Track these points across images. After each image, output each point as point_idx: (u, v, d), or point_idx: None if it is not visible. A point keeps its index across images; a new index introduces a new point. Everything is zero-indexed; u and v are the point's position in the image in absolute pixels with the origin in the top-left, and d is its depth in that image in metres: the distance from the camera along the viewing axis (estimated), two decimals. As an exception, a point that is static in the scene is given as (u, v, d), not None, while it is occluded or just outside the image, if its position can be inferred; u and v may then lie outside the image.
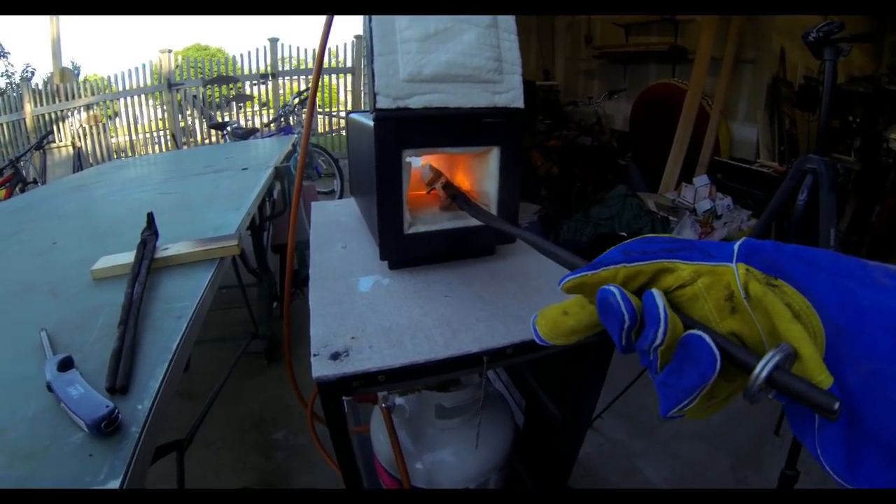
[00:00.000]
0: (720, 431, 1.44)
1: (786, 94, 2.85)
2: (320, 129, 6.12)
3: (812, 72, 2.78)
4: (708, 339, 0.22)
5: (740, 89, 3.06)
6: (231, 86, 5.94)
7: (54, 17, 6.35)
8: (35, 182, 3.60)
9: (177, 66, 5.88)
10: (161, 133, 6.11)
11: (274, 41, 5.86)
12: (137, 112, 5.89)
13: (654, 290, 0.24)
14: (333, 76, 6.13)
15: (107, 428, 0.36)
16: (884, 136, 2.40)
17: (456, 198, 0.56)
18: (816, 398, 0.19)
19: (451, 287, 0.56)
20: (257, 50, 5.86)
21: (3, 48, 10.83)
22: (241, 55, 5.93)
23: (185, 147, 5.76)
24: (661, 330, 0.23)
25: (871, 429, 0.19)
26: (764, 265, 0.23)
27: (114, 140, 5.96)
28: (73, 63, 12.07)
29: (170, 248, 0.68)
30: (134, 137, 5.96)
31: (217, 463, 1.37)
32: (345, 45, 6.07)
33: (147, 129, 6.07)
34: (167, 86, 5.71)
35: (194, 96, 5.87)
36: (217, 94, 6.02)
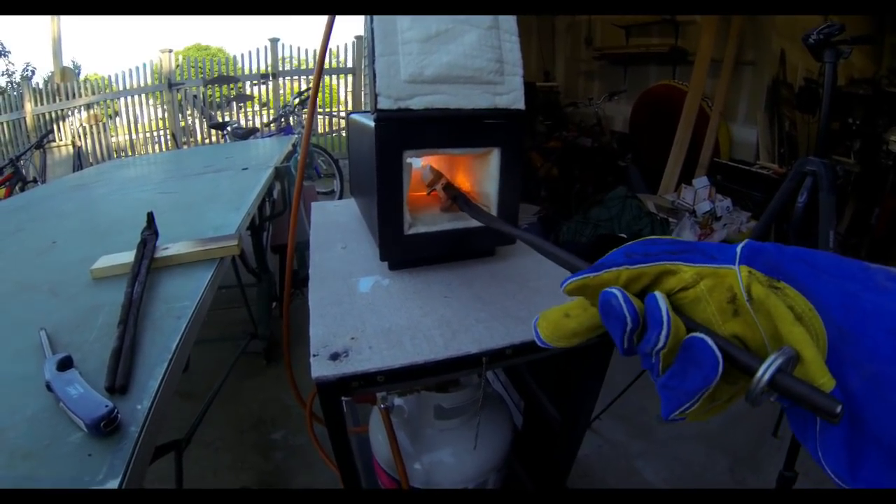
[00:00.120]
0: (719, 433, 1.44)
1: (786, 96, 2.85)
2: (320, 130, 6.12)
3: (812, 74, 2.79)
4: (710, 342, 0.22)
5: (740, 91, 3.06)
6: (231, 86, 5.94)
7: (55, 16, 6.34)
8: (35, 181, 3.59)
9: (177, 66, 5.88)
10: (161, 133, 6.11)
11: (275, 41, 5.86)
12: (138, 111, 5.89)
13: (657, 293, 0.24)
14: (334, 76, 6.13)
15: (106, 428, 0.35)
16: (883, 139, 2.41)
17: (457, 199, 0.56)
18: (819, 402, 0.19)
19: (451, 288, 0.56)
20: (258, 50, 5.87)
21: (4, 47, 10.83)
22: (242, 55, 5.93)
23: (185, 147, 5.76)
24: (663, 333, 0.23)
25: (873, 432, 0.19)
26: (766, 267, 0.23)
27: (114, 139, 5.95)
28: (73, 62, 12.07)
29: (170, 247, 0.68)
30: (134, 137, 5.96)
31: (216, 463, 1.37)
32: (345, 45, 6.07)
33: (147, 129, 6.07)
34: (167, 85, 5.71)
35: (195, 96, 5.87)
36: (217, 94, 6.02)
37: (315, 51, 6.00)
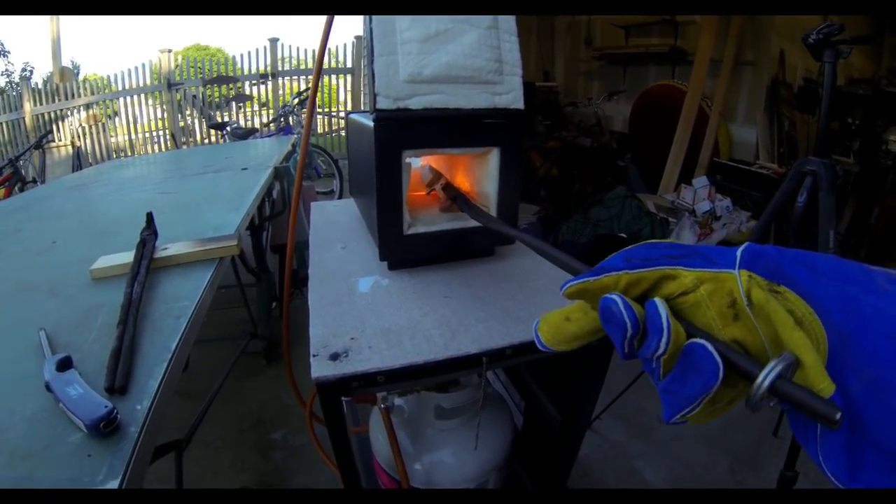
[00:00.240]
0: (719, 433, 1.44)
1: (785, 96, 2.85)
2: (320, 130, 6.12)
3: (811, 74, 2.79)
4: (711, 348, 0.22)
5: (740, 91, 3.06)
6: (231, 86, 5.94)
7: (54, 16, 6.34)
8: (34, 181, 3.59)
9: (176, 66, 5.87)
10: (160, 133, 6.11)
11: (274, 41, 5.86)
12: (137, 112, 5.88)
13: (657, 299, 0.24)
14: (333, 76, 6.13)
15: (105, 428, 0.35)
16: (883, 138, 2.41)
17: (456, 199, 0.56)
18: (818, 408, 0.19)
19: (451, 288, 0.56)
20: (257, 50, 5.86)
21: (4, 47, 10.83)
22: (241, 55, 5.93)
23: (184, 147, 5.76)
24: (663, 340, 0.23)
25: (873, 436, 0.19)
26: (766, 271, 0.23)
27: (113, 139, 5.95)
28: (72, 62, 12.08)
29: (169, 247, 0.68)
30: (133, 137, 5.95)
31: (216, 463, 1.37)
32: (344, 45, 6.07)
33: (146, 129, 6.07)
34: (167, 85, 5.71)
35: (194, 96, 5.87)
36: (217, 94, 6.02)
37: (314, 51, 6.00)
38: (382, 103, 0.49)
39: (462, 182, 0.63)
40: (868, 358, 0.19)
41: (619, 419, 1.49)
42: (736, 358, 0.22)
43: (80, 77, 7.68)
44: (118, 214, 1.03)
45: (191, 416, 1.24)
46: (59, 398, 0.38)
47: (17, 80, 10.24)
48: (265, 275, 1.88)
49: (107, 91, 5.77)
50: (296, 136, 2.92)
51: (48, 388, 0.40)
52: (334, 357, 0.43)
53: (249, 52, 5.86)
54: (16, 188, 3.35)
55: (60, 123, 5.55)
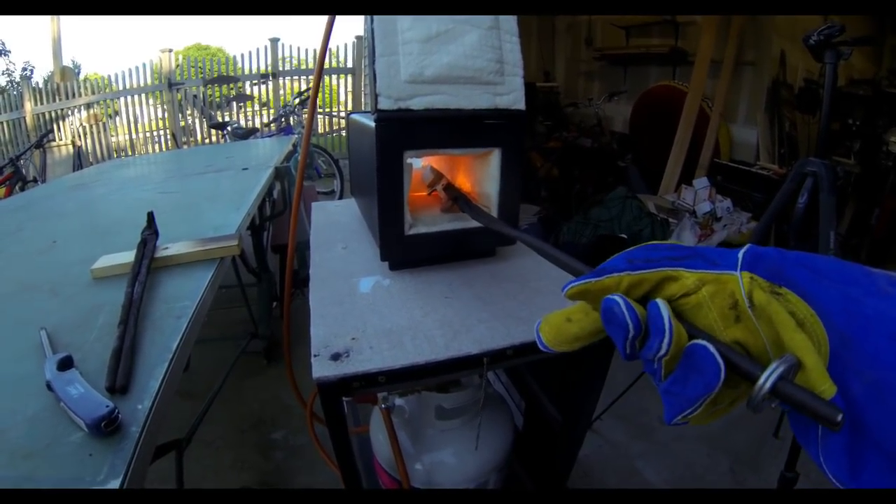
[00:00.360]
0: (720, 433, 1.44)
1: (786, 97, 2.85)
2: (320, 130, 6.12)
3: (812, 74, 2.79)
4: (712, 349, 0.22)
5: (740, 91, 3.06)
6: (231, 85, 5.94)
7: (55, 16, 6.34)
8: (35, 181, 3.59)
9: (177, 66, 5.87)
10: (161, 132, 6.11)
11: (275, 41, 5.86)
12: (138, 111, 5.88)
13: (659, 301, 0.24)
14: (334, 76, 6.13)
15: (107, 428, 0.35)
16: (883, 139, 2.41)
17: (457, 200, 0.56)
18: (819, 409, 0.19)
19: (452, 288, 0.56)
20: (258, 50, 5.86)
21: (4, 46, 10.83)
22: (242, 55, 5.93)
23: (185, 146, 5.76)
24: (665, 341, 0.23)
25: (875, 437, 0.19)
26: (768, 273, 0.23)
27: (114, 139, 5.95)
28: (73, 62, 12.09)
29: (170, 247, 0.68)
30: (134, 136, 5.95)
31: (217, 462, 1.37)
32: (345, 45, 6.06)
33: (147, 129, 6.07)
34: (167, 85, 5.71)
35: (195, 96, 5.87)
36: (217, 94, 6.02)
37: (315, 51, 6.00)
38: (384, 104, 0.49)
39: (463, 182, 0.63)
40: (869, 360, 0.19)
41: (620, 420, 1.49)
42: (737, 359, 0.22)
43: (81, 76, 7.69)
44: (119, 214, 1.03)
45: (192, 415, 1.24)
46: (60, 398, 0.38)
47: (17, 79, 10.25)
48: (266, 275, 1.88)
49: (107, 90, 5.78)
50: (296, 136, 2.92)
51: (49, 387, 0.40)
52: (335, 357, 0.43)
53: (250, 52, 5.86)
54: (16, 187, 3.35)
55: (61, 123, 5.55)
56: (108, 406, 0.36)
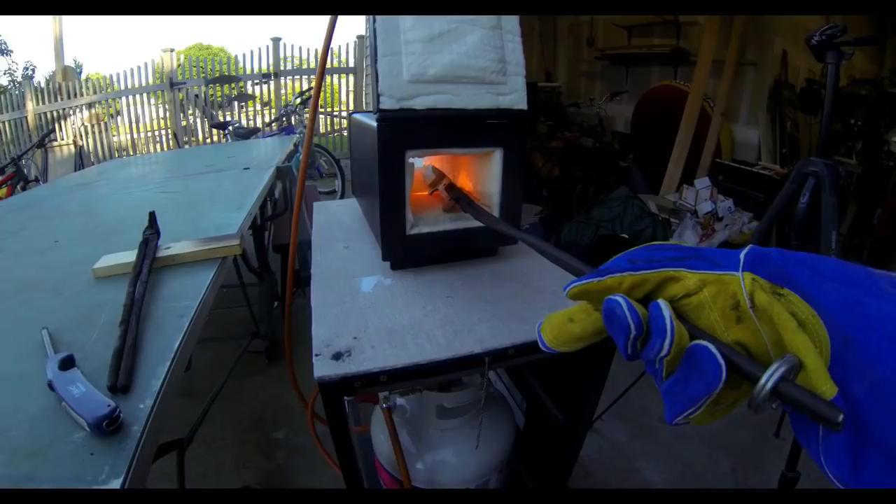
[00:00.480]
0: (720, 433, 1.44)
1: (788, 97, 2.85)
2: (322, 129, 6.12)
3: (814, 74, 2.79)
4: (714, 349, 0.22)
5: (742, 92, 3.06)
6: (233, 85, 5.94)
7: (57, 16, 6.35)
8: (36, 180, 3.60)
9: (179, 66, 5.88)
10: (163, 132, 6.11)
11: (276, 41, 5.86)
12: (139, 111, 5.88)
13: (661, 301, 0.24)
14: (335, 76, 6.13)
15: (108, 427, 0.35)
16: (885, 139, 2.40)
17: (459, 199, 0.56)
18: (820, 410, 0.19)
19: (454, 288, 0.56)
20: (259, 49, 5.86)
21: (6, 46, 10.86)
22: (244, 54, 5.93)
23: (186, 146, 5.76)
24: (667, 341, 0.23)
25: (876, 438, 0.19)
26: (770, 274, 0.23)
27: (115, 139, 5.96)
28: (75, 61, 12.12)
29: (171, 247, 0.68)
30: (136, 136, 5.96)
31: (218, 462, 1.37)
32: (347, 45, 6.06)
33: (149, 128, 6.07)
34: (169, 85, 5.71)
35: (196, 95, 5.87)
36: (219, 94, 6.02)
37: (317, 50, 6.00)
38: (386, 103, 0.49)
39: (465, 182, 0.63)
40: (871, 360, 0.19)
41: (621, 419, 1.49)
42: (739, 360, 0.22)
43: (83, 76, 7.71)
44: (120, 214, 1.03)
45: (193, 415, 1.24)
46: (61, 397, 0.38)
47: (19, 78, 10.28)
48: (267, 275, 1.89)
49: (109, 90, 5.78)
50: (298, 135, 2.92)
51: (51, 386, 0.40)
52: (337, 357, 0.43)
53: (252, 52, 5.86)
54: (18, 187, 3.36)
55: (63, 122, 5.56)
56: (109, 405, 0.36)
